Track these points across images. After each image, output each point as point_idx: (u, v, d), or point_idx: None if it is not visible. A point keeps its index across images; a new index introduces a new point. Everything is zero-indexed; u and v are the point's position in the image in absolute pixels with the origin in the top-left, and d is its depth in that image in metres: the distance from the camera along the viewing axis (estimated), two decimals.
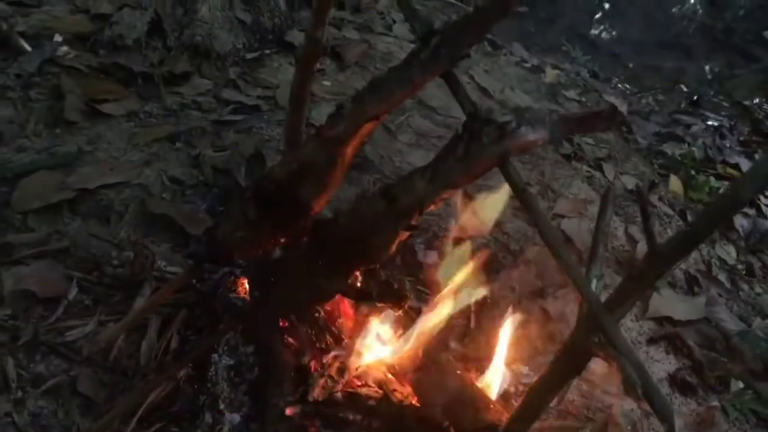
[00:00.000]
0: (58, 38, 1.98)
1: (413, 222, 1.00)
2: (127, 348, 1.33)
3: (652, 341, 1.66)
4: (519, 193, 0.84)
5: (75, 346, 1.31)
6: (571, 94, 3.01)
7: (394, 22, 2.81)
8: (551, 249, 0.75)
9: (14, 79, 1.84)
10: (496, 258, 1.70)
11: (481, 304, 1.48)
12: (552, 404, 1.40)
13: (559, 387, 0.84)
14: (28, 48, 1.92)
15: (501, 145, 0.89)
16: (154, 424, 1.22)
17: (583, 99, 2.99)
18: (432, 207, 1.00)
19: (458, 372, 1.23)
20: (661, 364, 1.62)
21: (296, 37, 2.35)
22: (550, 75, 3.13)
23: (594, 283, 0.78)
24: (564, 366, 0.79)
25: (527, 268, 1.62)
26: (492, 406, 1.16)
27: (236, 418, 1.22)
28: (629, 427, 1.45)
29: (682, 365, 1.62)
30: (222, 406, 1.24)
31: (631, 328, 1.69)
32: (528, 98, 2.70)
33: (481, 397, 1.17)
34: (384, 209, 0.98)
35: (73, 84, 1.84)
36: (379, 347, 1.25)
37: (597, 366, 1.57)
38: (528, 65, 3.14)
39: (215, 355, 1.30)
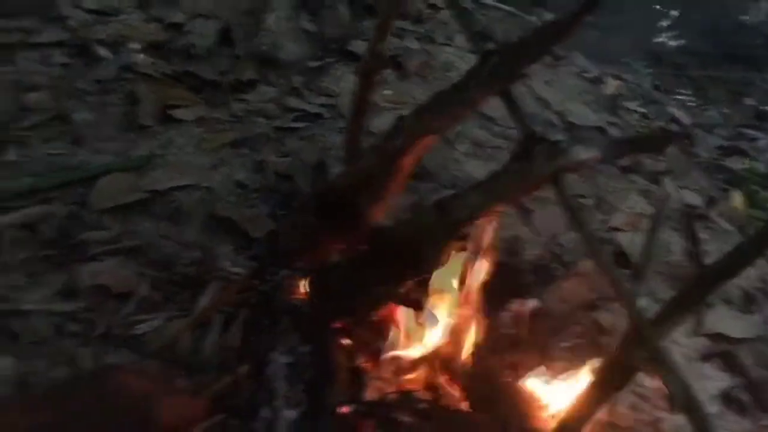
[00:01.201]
0: (133, 46, 2.08)
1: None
2: (191, 343, 1.40)
3: (705, 358, 1.66)
4: (569, 210, 0.87)
5: (144, 340, 1.39)
6: (633, 105, 2.99)
7: (456, 32, 2.84)
8: (599, 265, 0.78)
9: (93, 84, 1.95)
10: (549, 269, 1.72)
11: (534, 315, 1.50)
12: (603, 416, 1.42)
13: (603, 399, 0.86)
14: (106, 55, 2.03)
15: (554, 163, 0.92)
16: (215, 415, 1.29)
17: (645, 110, 2.98)
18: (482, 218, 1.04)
19: (509, 379, 1.27)
20: (714, 382, 1.62)
21: (358, 46, 2.41)
22: (611, 86, 3.12)
23: (641, 299, 0.81)
24: (609, 379, 0.82)
25: (580, 281, 1.63)
26: (541, 413, 1.19)
27: (293, 414, 1.28)
28: None
29: (736, 383, 1.62)
30: (279, 403, 1.30)
31: (684, 344, 1.69)
32: (587, 109, 2.70)
33: (530, 404, 1.20)
34: (437, 221, 1.02)
35: (147, 90, 1.94)
36: (429, 350, 1.29)
37: (649, 381, 1.59)
38: (589, 76, 3.13)
39: (274, 354, 1.36)
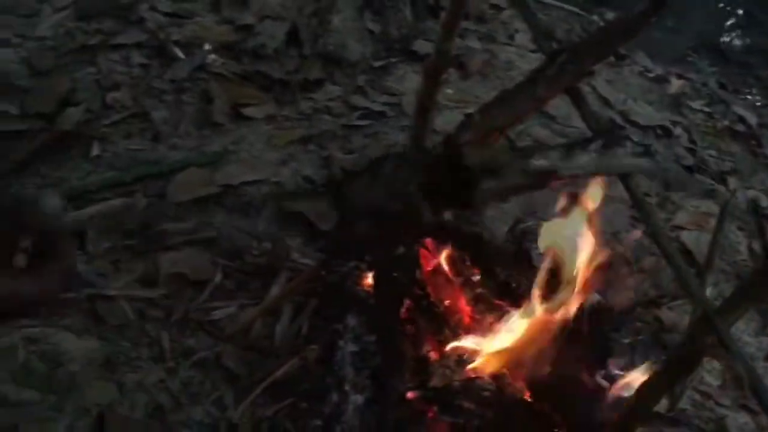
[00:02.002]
0: (207, 47, 2.17)
1: None
2: (263, 330, 1.47)
3: None
4: (637, 204, 0.89)
5: (219, 325, 1.47)
6: (698, 105, 2.95)
7: (517, 31, 2.86)
8: (667, 256, 0.81)
9: (169, 83, 2.04)
10: (611, 266, 1.73)
11: (595, 310, 1.52)
12: (663, 411, 1.44)
13: (670, 385, 0.89)
14: (181, 55, 2.13)
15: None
16: (286, 398, 1.36)
17: (710, 110, 2.93)
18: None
19: (571, 370, 1.29)
20: None
21: (421, 46, 2.46)
22: (675, 85, 3.08)
23: (708, 290, 0.83)
24: (676, 364, 0.85)
25: (643, 278, 1.65)
26: (603, 403, 1.21)
27: (359, 399, 1.33)
28: None
29: None
30: (347, 388, 1.35)
31: (749, 342, 1.69)
32: (650, 109, 2.68)
33: (593, 394, 1.23)
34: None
35: (220, 89, 2.03)
36: (495, 342, 1.33)
37: (712, 378, 1.59)
38: (652, 75, 3.10)
39: (341, 342, 1.41)
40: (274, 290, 1.53)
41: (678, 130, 2.62)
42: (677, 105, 2.86)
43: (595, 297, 1.50)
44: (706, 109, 2.93)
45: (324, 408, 1.33)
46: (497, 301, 1.36)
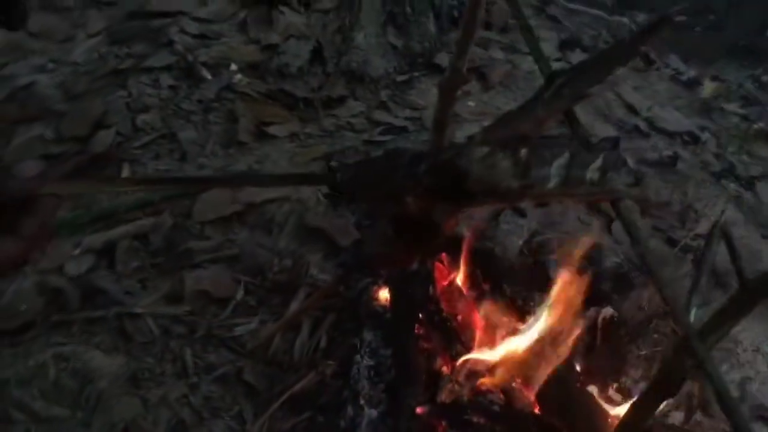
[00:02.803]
0: (233, 67, 2.24)
1: None
2: (283, 345, 1.52)
3: None
4: (626, 226, 0.91)
5: (241, 341, 1.52)
6: (732, 107, 2.91)
7: (540, 40, 2.87)
8: (653, 277, 0.83)
9: (196, 104, 2.11)
10: (628, 278, 1.74)
11: (609, 322, 1.53)
12: (678, 422, 1.44)
13: (656, 405, 0.90)
14: (209, 76, 2.20)
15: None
16: (304, 412, 1.40)
17: (745, 112, 2.89)
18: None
19: (581, 386, 1.31)
20: None
21: (444, 59, 2.49)
22: (709, 88, 3.04)
23: (693, 311, 0.85)
24: (661, 386, 0.86)
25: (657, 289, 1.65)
26: (609, 420, 1.23)
27: (374, 413, 1.37)
28: None
29: None
30: (362, 402, 1.39)
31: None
32: (678, 115, 2.66)
33: (599, 411, 1.24)
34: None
35: (245, 108, 2.09)
36: (504, 356, 1.35)
37: (731, 388, 1.58)
38: (684, 78, 3.07)
39: (358, 356, 1.46)
40: (294, 306, 1.58)
41: (706, 135, 2.59)
42: (707, 110, 2.83)
43: (609, 310, 1.52)
44: (740, 111, 2.89)
45: (340, 421, 1.37)
46: (505, 317, 1.38)
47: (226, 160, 1.96)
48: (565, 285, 1.43)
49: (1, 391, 1.34)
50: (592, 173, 0.92)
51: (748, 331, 1.72)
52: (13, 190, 0.78)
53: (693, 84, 3.03)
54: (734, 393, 1.57)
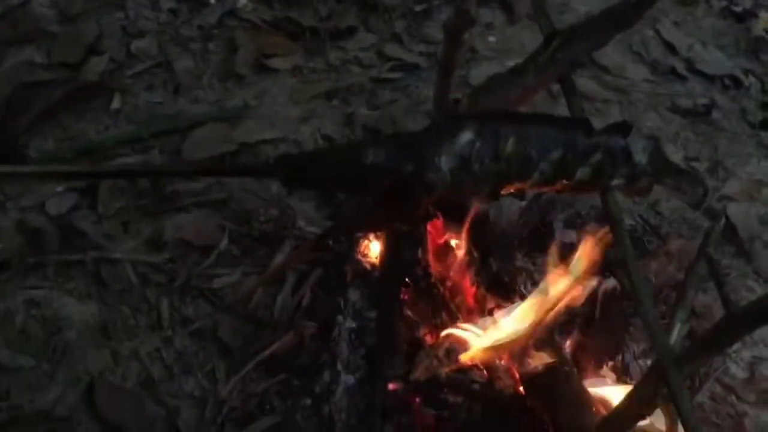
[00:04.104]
0: None
1: None
2: (264, 299, 1.45)
3: None
4: (612, 224, 0.80)
5: (220, 294, 1.46)
6: None
7: None
8: (633, 288, 0.72)
9: (196, 30, 1.99)
10: (642, 243, 1.62)
11: (611, 294, 1.43)
12: None
13: (630, 424, 0.81)
14: (212, 0, 2.06)
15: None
16: (279, 374, 1.34)
17: None
18: None
19: (567, 369, 1.22)
20: None
21: None
22: (764, 21, 2.79)
23: (678, 327, 0.75)
24: (633, 407, 0.77)
25: (669, 259, 1.53)
26: (595, 410, 1.14)
27: (351, 379, 1.31)
28: None
29: None
30: (340, 367, 1.33)
31: None
32: (721, 55, 2.45)
33: (586, 402, 1.16)
34: None
35: (247, 38, 1.96)
36: (492, 332, 1.27)
37: (738, 369, 1.49)
38: (738, 10, 2.81)
39: (340, 317, 1.39)
40: (278, 258, 1.51)
41: (750, 80, 2.39)
42: (755, 49, 2.60)
43: (612, 281, 1.41)
44: None
45: (315, 386, 1.31)
46: (496, 288, 1.28)
47: (222, 94, 1.85)
48: (579, 253, 1.31)
49: None
50: (582, 173, 0.80)
51: None
52: None
53: (748, 17, 2.79)
54: (743, 374, 1.48)
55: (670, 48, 2.40)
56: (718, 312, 1.27)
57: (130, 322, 1.39)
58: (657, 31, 2.44)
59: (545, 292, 1.24)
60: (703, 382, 1.43)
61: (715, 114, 2.12)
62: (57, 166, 1.45)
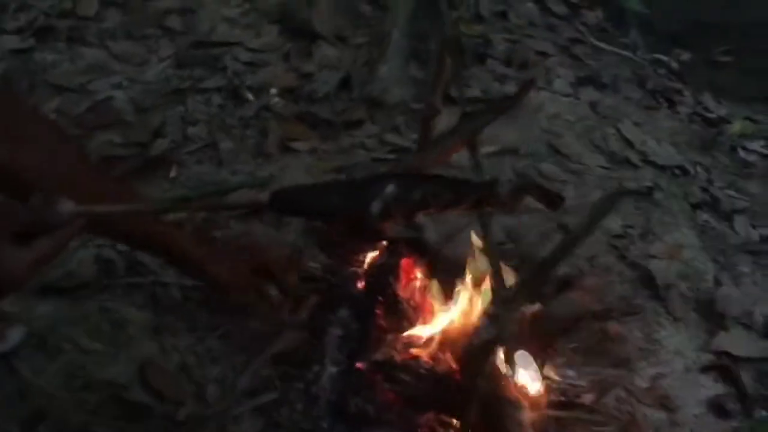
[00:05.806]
0: (273, 91, 2.68)
1: None
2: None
3: (704, 369, 1.91)
4: (482, 225, 1.26)
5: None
6: (756, 146, 3.06)
7: (558, 77, 3.15)
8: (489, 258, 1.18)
9: (237, 120, 2.56)
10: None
11: (536, 318, 1.85)
12: (588, 402, 1.75)
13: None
14: (251, 98, 2.64)
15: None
16: (282, 366, 1.78)
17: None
18: None
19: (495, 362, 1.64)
20: (705, 390, 1.86)
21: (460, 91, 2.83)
22: (737, 127, 3.19)
23: None
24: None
25: (585, 293, 1.95)
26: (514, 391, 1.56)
27: (334, 370, 1.74)
28: None
29: (727, 393, 1.85)
30: (327, 362, 1.76)
31: (689, 357, 1.95)
32: (673, 150, 2.88)
33: (503, 380, 1.58)
34: None
35: (276, 126, 2.52)
36: (436, 332, 1.71)
37: (641, 382, 1.87)
38: (711, 116, 3.25)
39: (331, 328, 1.83)
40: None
41: (698, 170, 2.82)
42: (709, 147, 3.03)
43: (537, 306, 1.84)
44: (765, 151, 3.06)
45: (307, 375, 1.75)
46: (439, 301, 1.74)
47: (254, 168, 2.38)
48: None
49: (57, 329, 1.78)
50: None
51: (674, 337, 2.00)
52: (47, 220, 0.87)
53: (720, 123, 3.23)
54: (644, 384, 1.86)
55: (628, 143, 2.87)
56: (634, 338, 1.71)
57: (174, 326, 1.86)
58: (618, 129, 2.92)
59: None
60: (609, 388, 1.82)
61: (657, 195, 2.56)
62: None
